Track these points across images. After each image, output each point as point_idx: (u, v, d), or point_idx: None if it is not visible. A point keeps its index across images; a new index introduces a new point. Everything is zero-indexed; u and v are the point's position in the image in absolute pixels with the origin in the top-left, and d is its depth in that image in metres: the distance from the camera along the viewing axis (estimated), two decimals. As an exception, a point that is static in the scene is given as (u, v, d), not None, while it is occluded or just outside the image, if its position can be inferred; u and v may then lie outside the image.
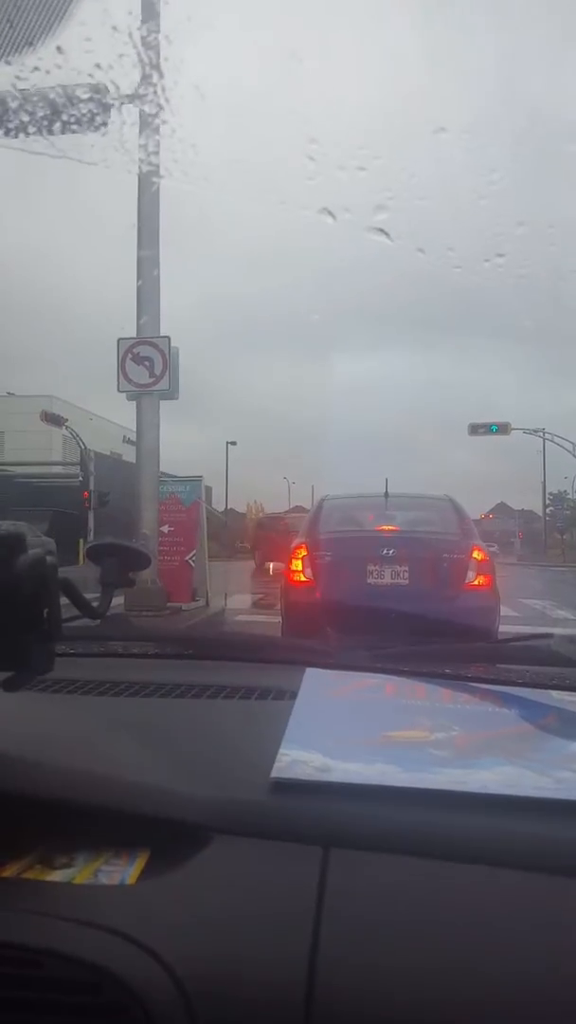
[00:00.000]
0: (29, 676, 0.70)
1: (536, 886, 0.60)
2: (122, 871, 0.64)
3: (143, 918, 0.56)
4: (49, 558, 0.67)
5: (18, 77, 1.24)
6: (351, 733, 0.84)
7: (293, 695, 0.98)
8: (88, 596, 0.92)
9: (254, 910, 0.57)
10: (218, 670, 1.21)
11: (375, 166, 2.13)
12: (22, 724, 0.86)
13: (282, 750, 0.76)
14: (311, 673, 1.08)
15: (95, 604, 0.95)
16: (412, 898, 0.58)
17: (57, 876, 0.63)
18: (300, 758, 0.74)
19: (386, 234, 2.01)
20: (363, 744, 0.80)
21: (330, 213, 2.01)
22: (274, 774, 0.71)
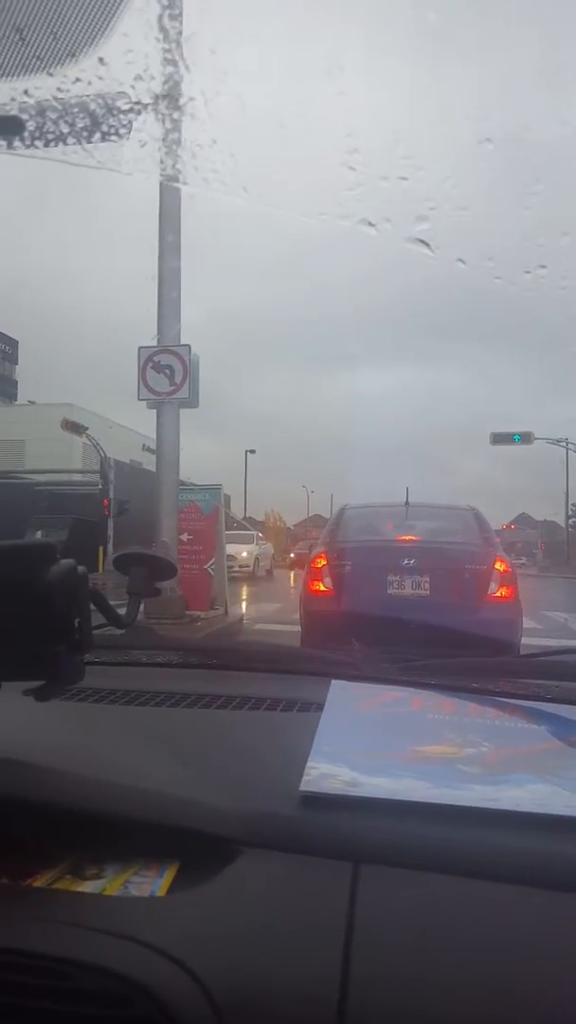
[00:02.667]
0: (60, 686, 0.71)
1: (570, 907, 0.59)
2: (152, 883, 0.64)
3: (174, 930, 0.56)
4: (80, 568, 0.68)
5: (59, 89, 1.25)
6: (379, 747, 0.84)
7: (319, 707, 0.97)
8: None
9: (285, 925, 0.57)
10: (242, 681, 1.20)
11: (418, 176, 2.12)
12: (50, 733, 0.87)
13: (310, 763, 0.76)
14: (337, 685, 1.07)
15: (122, 613, 0.96)
16: (444, 917, 0.58)
17: (87, 887, 0.63)
18: (329, 772, 0.74)
19: (427, 244, 2.00)
20: (392, 758, 0.79)
21: (370, 224, 2.01)
22: (303, 788, 0.70)
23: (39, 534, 16.68)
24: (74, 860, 0.66)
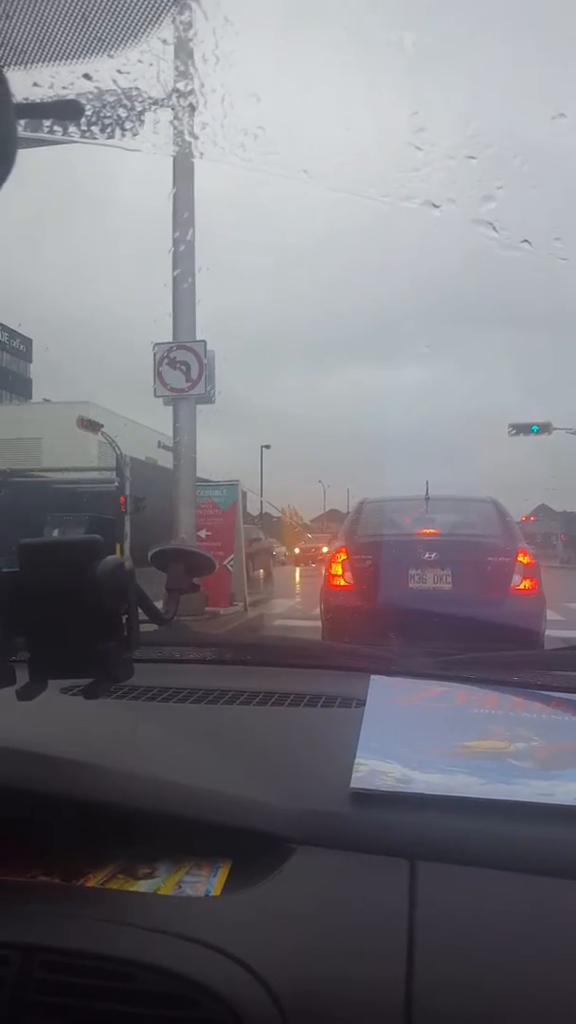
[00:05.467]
0: (110, 684, 0.70)
1: None
2: (206, 882, 0.63)
3: (235, 931, 0.55)
4: (127, 564, 0.67)
5: (120, 71, 1.24)
6: (426, 743, 0.83)
7: (360, 703, 0.96)
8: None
9: (345, 924, 0.56)
10: (280, 676, 1.19)
11: (486, 154, 2.06)
12: (95, 731, 0.86)
13: (358, 760, 0.75)
14: (377, 680, 1.06)
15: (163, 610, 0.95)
16: (506, 914, 0.56)
17: (141, 886, 0.63)
18: (378, 768, 0.73)
19: (492, 225, 1.96)
20: (440, 754, 0.78)
21: (434, 205, 1.96)
22: (354, 784, 0.69)
23: (56, 532, 16.81)
24: (125, 860, 0.66)
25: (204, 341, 8.85)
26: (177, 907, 0.59)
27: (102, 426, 20.07)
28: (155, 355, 8.82)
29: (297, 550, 30.41)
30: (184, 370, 8.76)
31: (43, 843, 0.67)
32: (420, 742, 0.83)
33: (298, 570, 24.40)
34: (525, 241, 2.10)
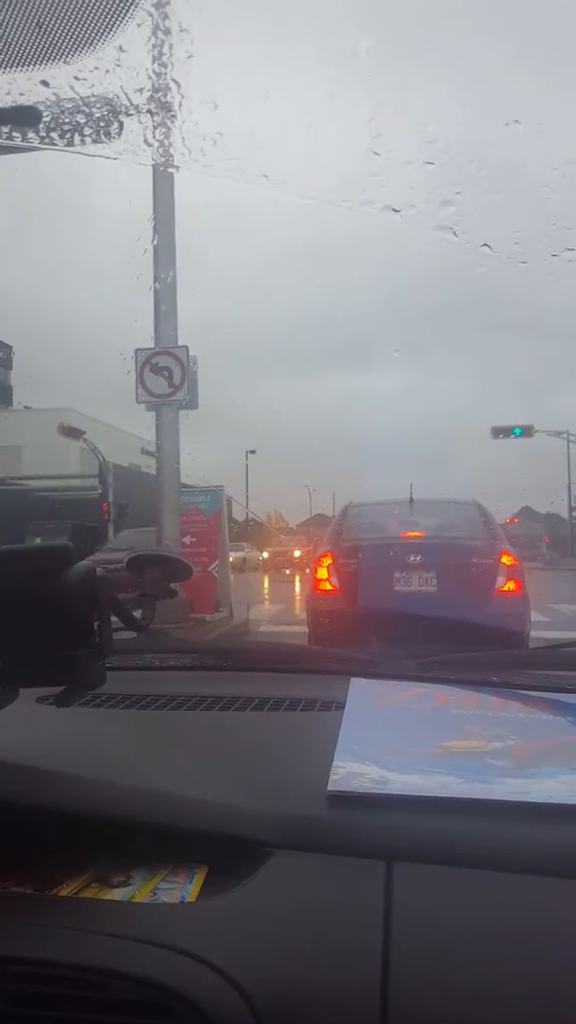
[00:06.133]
0: (82, 691, 0.70)
1: None
2: (181, 888, 0.62)
3: (210, 937, 0.54)
4: (99, 571, 0.67)
5: (76, 78, 1.23)
6: (405, 744, 0.82)
7: (340, 706, 0.96)
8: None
9: (322, 928, 0.56)
10: (260, 681, 1.19)
11: (443, 160, 2.09)
12: (71, 740, 0.85)
13: (336, 762, 0.74)
14: (356, 683, 1.06)
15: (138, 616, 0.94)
16: (483, 914, 0.56)
17: (115, 895, 0.62)
18: (356, 770, 0.73)
19: (452, 230, 1.98)
20: (418, 755, 0.78)
21: (395, 210, 1.98)
22: (331, 787, 0.69)
23: (38, 541, 16.64)
24: (99, 868, 0.65)
25: (186, 347, 8.84)
26: (151, 914, 0.58)
27: (84, 433, 19.98)
28: (137, 361, 8.80)
29: (266, 554, 25.86)
30: (166, 376, 8.74)
31: (17, 853, 0.66)
32: (398, 743, 0.83)
33: (267, 579, 20.68)
34: (485, 245, 2.13)
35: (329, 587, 5.52)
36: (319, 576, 5.63)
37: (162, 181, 8.01)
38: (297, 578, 18.41)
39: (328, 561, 5.63)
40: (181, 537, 9.10)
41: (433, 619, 4.51)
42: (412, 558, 5.45)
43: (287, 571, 21.54)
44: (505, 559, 5.43)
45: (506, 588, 5.31)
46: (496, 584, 5.31)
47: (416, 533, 6.00)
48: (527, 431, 20.77)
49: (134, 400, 8.90)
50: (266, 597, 14.89)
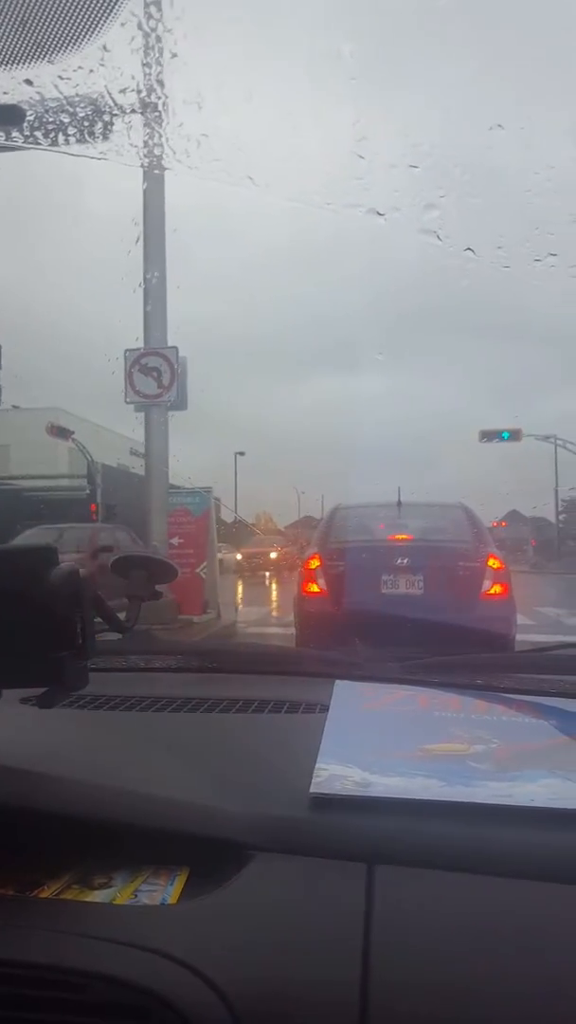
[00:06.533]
0: (64, 693, 0.69)
1: None
2: (162, 890, 0.62)
3: (189, 939, 0.54)
4: (81, 572, 0.67)
5: (60, 77, 1.23)
6: (388, 746, 0.83)
7: (324, 708, 0.96)
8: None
9: (302, 930, 0.56)
10: (245, 683, 1.19)
11: (427, 164, 2.11)
12: (54, 741, 0.85)
13: (319, 764, 0.75)
14: (341, 685, 1.07)
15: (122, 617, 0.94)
16: (463, 916, 0.57)
17: (96, 896, 0.62)
18: (338, 773, 0.73)
19: (435, 234, 2.00)
20: (401, 757, 0.78)
21: (379, 213, 2.00)
22: (313, 789, 0.69)
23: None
24: (80, 869, 0.65)
25: (176, 347, 8.83)
26: (131, 916, 0.58)
27: (72, 433, 19.90)
28: (126, 361, 8.77)
29: (239, 556, 22.51)
30: (156, 376, 8.72)
31: None
32: (381, 746, 0.83)
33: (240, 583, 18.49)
34: (468, 249, 2.15)
35: (316, 589, 5.53)
36: (307, 578, 5.64)
37: (152, 182, 8.00)
38: (274, 583, 17.67)
39: (316, 563, 5.64)
40: (169, 538, 9.08)
41: (420, 621, 4.53)
42: (399, 561, 5.47)
43: (263, 573, 20.04)
44: (492, 562, 5.46)
45: (492, 591, 5.34)
46: (483, 587, 5.33)
47: (404, 536, 6.01)
48: (515, 435, 20.87)
49: (123, 400, 8.88)
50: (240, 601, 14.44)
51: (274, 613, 11.30)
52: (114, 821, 0.66)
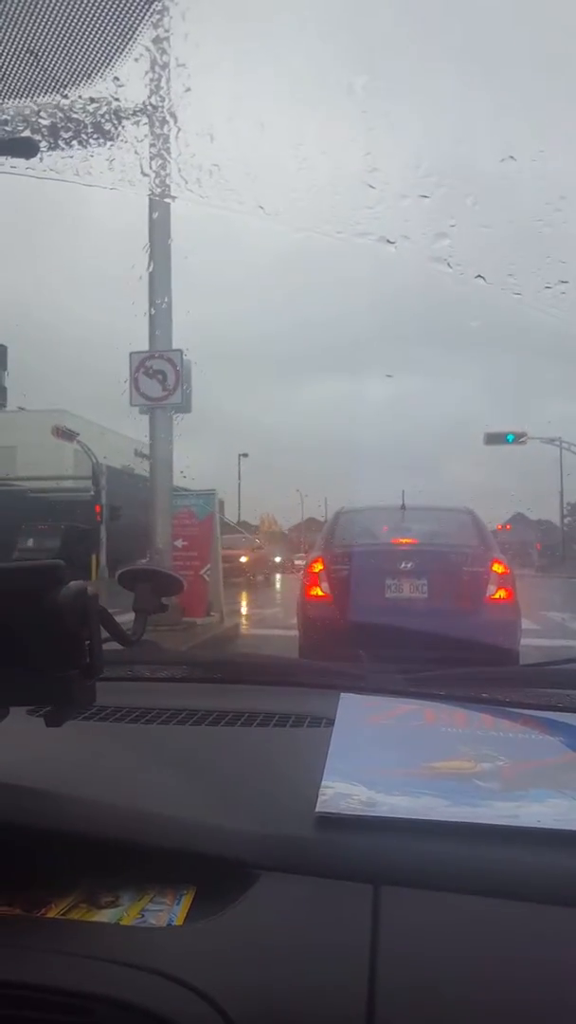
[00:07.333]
0: (72, 711, 0.69)
1: None
2: (169, 911, 0.62)
3: (196, 961, 0.54)
4: (90, 590, 0.67)
5: (73, 109, 1.24)
6: (393, 763, 0.83)
7: (329, 722, 0.96)
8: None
9: (309, 954, 0.56)
10: (249, 695, 1.19)
11: (439, 194, 2.13)
12: (58, 756, 0.85)
13: (325, 783, 0.74)
14: (346, 699, 1.06)
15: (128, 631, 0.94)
16: (470, 938, 0.56)
17: (103, 916, 0.62)
18: (344, 791, 0.73)
19: (446, 262, 2.01)
20: (407, 775, 0.78)
21: (389, 241, 2.01)
22: (319, 809, 0.69)
23: (31, 542, 16.62)
24: (87, 888, 0.65)
25: (181, 350, 8.83)
26: (138, 937, 0.58)
27: (78, 435, 19.94)
28: (131, 364, 8.78)
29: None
30: (160, 379, 8.73)
31: (4, 873, 0.66)
32: (387, 763, 0.83)
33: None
34: (479, 277, 2.16)
35: (320, 593, 5.52)
36: (310, 582, 5.63)
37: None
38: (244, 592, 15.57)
39: (319, 567, 5.63)
40: (173, 540, 9.09)
41: (423, 626, 4.52)
42: (403, 565, 5.45)
43: (234, 580, 16.27)
44: (496, 567, 5.44)
45: (497, 596, 5.32)
46: (487, 592, 5.31)
47: (408, 540, 6.00)
48: (520, 438, 20.84)
49: (128, 403, 8.88)
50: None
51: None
52: (121, 839, 0.66)
